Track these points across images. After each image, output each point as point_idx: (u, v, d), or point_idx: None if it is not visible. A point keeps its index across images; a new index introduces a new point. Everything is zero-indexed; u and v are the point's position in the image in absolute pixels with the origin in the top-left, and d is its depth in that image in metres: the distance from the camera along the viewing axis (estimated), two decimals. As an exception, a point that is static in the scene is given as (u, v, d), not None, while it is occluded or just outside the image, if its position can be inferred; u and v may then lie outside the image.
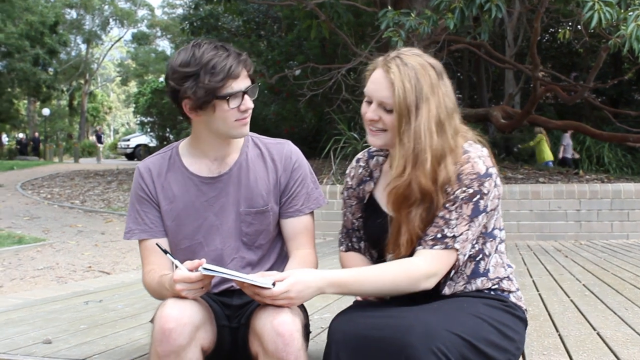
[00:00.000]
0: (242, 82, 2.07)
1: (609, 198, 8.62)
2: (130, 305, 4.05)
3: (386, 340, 1.68)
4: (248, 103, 2.09)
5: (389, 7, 8.54)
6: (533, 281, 4.81)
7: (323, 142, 10.78)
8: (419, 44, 9.34)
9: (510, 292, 2.00)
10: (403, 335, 1.65)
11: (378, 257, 2.17)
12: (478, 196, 1.88)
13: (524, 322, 1.98)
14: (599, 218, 8.61)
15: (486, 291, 1.97)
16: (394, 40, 8.01)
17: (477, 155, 1.92)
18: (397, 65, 1.88)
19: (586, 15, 7.18)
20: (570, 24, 11.01)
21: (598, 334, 3.07)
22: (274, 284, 1.87)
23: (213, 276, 1.88)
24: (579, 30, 9.27)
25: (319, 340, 2.96)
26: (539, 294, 4.19)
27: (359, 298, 1.95)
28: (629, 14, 7.20)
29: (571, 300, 4.03)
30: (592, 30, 7.80)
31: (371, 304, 1.85)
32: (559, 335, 3.07)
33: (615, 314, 3.57)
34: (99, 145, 38.98)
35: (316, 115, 17.04)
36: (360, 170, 2.14)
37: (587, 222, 8.59)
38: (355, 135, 9.60)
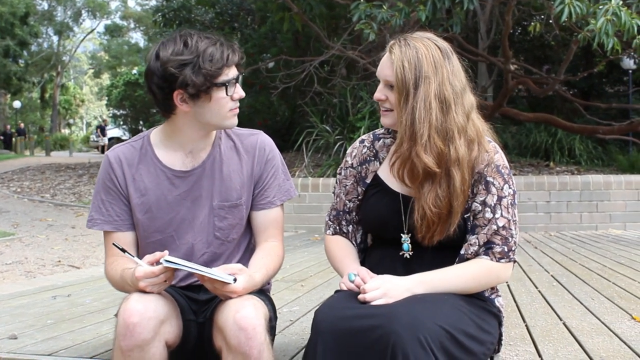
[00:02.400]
0: (235, 71, 2.07)
1: (578, 190, 8.72)
2: (98, 300, 4.02)
3: (372, 328, 1.69)
4: (240, 91, 2.09)
5: (361, 0, 8.52)
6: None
7: (295, 135, 10.74)
8: (390, 37, 9.35)
9: (494, 293, 2.04)
10: (389, 324, 1.67)
11: (365, 243, 2.18)
12: (516, 195, 1.99)
13: (499, 320, 2.01)
14: (569, 209, 8.70)
15: None
16: (366, 32, 8.01)
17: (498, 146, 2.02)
18: (399, 46, 1.95)
19: (557, 9, 7.23)
20: (542, 17, 11.07)
21: (564, 324, 3.11)
22: (235, 280, 1.87)
23: (176, 269, 1.87)
24: (550, 23, 9.31)
25: (288, 334, 2.96)
26: (507, 285, 4.23)
27: (342, 287, 1.94)
28: (599, 8, 7.26)
29: (539, 291, 4.08)
30: (564, 24, 7.83)
31: (354, 294, 1.85)
32: (526, 325, 3.11)
33: (582, 304, 3.62)
34: (103, 138, 36.87)
35: (289, 108, 16.98)
36: (364, 150, 2.15)
37: (556, 213, 8.69)
38: (328, 128, 9.55)
